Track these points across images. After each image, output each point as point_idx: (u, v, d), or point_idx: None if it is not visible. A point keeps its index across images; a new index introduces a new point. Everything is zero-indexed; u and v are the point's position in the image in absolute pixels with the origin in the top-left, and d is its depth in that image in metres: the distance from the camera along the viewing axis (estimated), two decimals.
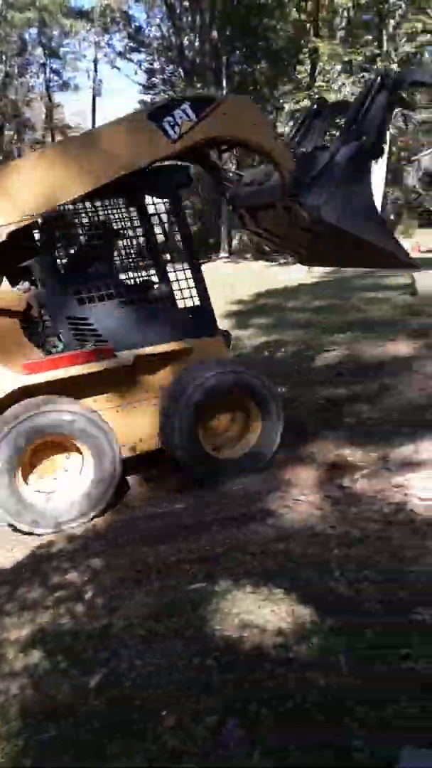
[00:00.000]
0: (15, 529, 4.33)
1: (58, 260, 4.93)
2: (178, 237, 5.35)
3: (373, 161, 4.51)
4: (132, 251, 5.46)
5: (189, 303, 5.01)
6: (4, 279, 5.00)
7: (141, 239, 5.32)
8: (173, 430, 4.63)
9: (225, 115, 4.63)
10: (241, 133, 4.78)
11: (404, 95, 5.87)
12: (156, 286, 5.04)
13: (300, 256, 5.85)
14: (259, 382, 4.87)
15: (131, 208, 5.20)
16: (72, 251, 5.09)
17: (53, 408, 4.36)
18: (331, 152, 4.66)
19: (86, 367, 4.50)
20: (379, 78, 4.62)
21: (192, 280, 5.00)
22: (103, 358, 4.54)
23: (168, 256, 5.54)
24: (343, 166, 4.50)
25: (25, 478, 4.43)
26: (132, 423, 4.75)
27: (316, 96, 15.87)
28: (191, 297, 5.00)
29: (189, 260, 5.06)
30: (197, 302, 5.00)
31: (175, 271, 5.03)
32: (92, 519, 4.46)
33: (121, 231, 5.31)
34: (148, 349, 4.71)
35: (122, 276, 5.23)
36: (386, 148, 4.56)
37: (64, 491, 4.49)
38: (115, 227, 5.25)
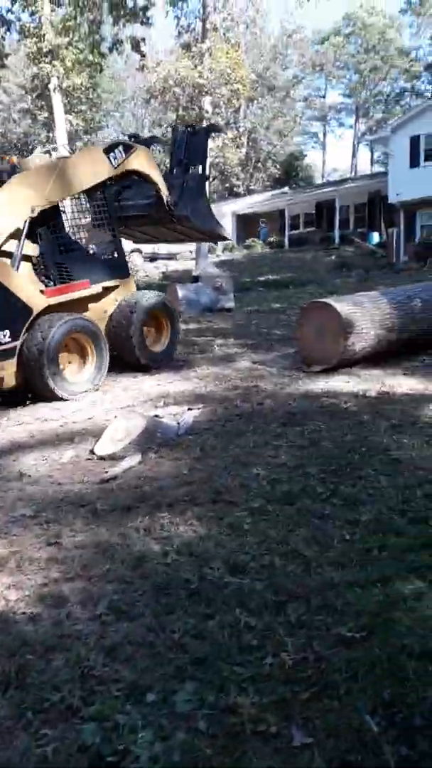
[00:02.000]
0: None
1: (52, 231, 7.01)
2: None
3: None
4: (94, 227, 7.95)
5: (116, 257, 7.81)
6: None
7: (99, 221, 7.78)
8: (130, 336, 7.22)
9: (137, 156, 7.64)
10: (144, 169, 7.76)
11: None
12: (106, 248, 7.79)
13: (158, 241, 10.50)
14: (166, 302, 7.92)
15: (93, 202, 7.74)
16: (59, 227, 7.27)
17: (77, 318, 6.78)
18: (178, 178, 8.44)
19: (81, 293, 7.03)
20: (189, 128, 9.10)
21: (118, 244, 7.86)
22: (87, 287, 7.09)
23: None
24: (193, 187, 8.48)
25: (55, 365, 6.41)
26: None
27: None
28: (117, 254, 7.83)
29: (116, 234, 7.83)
30: (121, 257, 7.91)
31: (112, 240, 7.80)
32: (96, 388, 6.68)
33: (89, 215, 7.97)
34: (106, 283, 7.36)
35: (86, 240, 7.93)
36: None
37: (79, 372, 6.81)
38: (84, 213, 8.01)
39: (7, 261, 6.31)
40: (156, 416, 5.16)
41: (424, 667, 2.23)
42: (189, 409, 5.39)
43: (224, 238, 10.45)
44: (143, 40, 24.23)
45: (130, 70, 42.21)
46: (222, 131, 14.63)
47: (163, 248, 32.20)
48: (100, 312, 7.30)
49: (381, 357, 6.98)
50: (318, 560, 2.98)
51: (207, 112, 25.18)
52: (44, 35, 20.67)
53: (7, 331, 6.23)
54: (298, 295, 14.28)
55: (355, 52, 56.68)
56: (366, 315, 6.57)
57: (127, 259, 8.35)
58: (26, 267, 6.56)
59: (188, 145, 8.57)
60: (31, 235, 6.63)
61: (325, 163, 63.45)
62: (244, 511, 3.49)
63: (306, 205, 34.75)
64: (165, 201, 7.94)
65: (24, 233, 6.44)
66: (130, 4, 23.48)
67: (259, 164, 49.89)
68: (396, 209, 28.41)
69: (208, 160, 9.18)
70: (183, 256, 31.24)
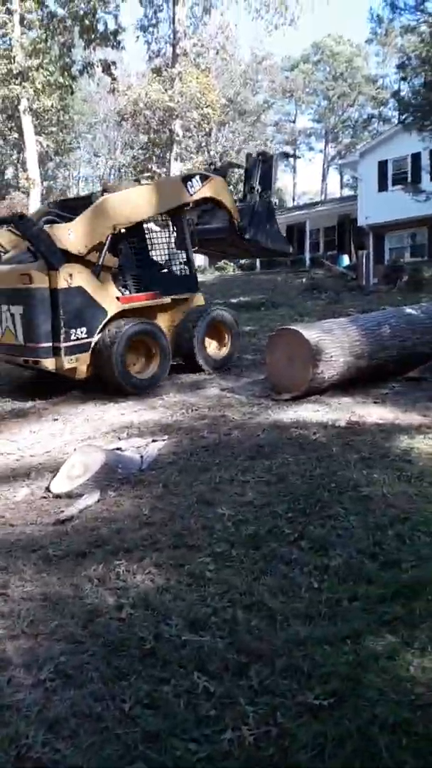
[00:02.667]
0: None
1: (131, 246, 7.96)
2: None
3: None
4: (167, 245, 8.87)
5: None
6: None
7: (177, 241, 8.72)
8: (191, 341, 8.04)
9: (213, 185, 8.57)
10: (219, 196, 8.72)
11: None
12: (180, 265, 8.73)
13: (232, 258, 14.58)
14: (229, 317, 8.69)
15: (173, 224, 8.70)
16: (139, 244, 8.13)
17: (143, 321, 7.65)
18: (251, 204, 9.40)
19: (151, 302, 7.88)
20: (260, 155, 9.89)
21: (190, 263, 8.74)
22: (157, 297, 7.94)
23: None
24: (263, 212, 9.51)
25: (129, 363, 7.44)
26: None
27: None
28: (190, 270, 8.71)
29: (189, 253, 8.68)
30: (192, 274, 8.72)
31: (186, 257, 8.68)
32: (159, 385, 7.54)
33: (163, 236, 8.90)
34: (176, 296, 8.21)
35: (162, 257, 8.77)
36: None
37: (144, 371, 7.64)
38: (158, 234, 8.88)
39: (88, 270, 7.32)
40: (118, 449, 4.93)
41: (397, 741, 2.04)
42: (153, 440, 5.17)
43: (290, 255, 12.51)
44: (114, 63, 24.33)
45: (102, 92, 42.40)
46: (291, 157, 16.22)
47: None
48: (169, 320, 8.19)
49: (351, 384, 6.86)
50: (284, 613, 2.77)
51: (177, 135, 25.29)
52: (14, 57, 20.56)
53: (84, 329, 7.25)
54: (269, 317, 14.16)
55: (324, 79, 57.91)
56: (335, 342, 6.44)
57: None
58: (107, 276, 7.57)
59: (259, 171, 9.52)
60: (113, 249, 7.64)
61: (295, 186, 64.28)
62: (207, 556, 3.28)
63: None
64: (236, 224, 9.02)
65: (106, 247, 7.41)
66: (101, 28, 23.62)
67: (231, 187, 50.28)
68: (365, 232, 28.77)
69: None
70: None
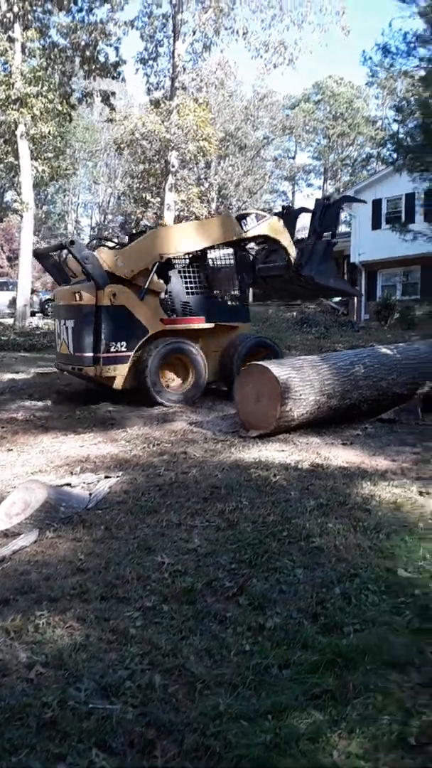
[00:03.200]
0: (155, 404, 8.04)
1: (183, 274, 8.93)
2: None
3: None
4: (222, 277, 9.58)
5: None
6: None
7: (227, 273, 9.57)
8: (233, 366, 8.57)
9: (269, 225, 9.27)
10: (275, 235, 9.33)
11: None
12: (226, 295, 9.51)
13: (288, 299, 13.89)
14: (272, 342, 9.62)
15: (232, 258, 9.59)
16: (190, 273, 9.05)
17: (180, 341, 8.46)
18: (309, 244, 9.57)
19: (190, 325, 8.69)
20: (326, 199, 10.05)
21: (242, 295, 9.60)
22: (197, 322, 8.75)
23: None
24: (320, 251, 9.62)
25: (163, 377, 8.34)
26: (207, 361, 8.62)
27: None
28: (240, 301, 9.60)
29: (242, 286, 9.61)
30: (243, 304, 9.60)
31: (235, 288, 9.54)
32: (192, 401, 8.33)
33: (218, 268, 9.57)
34: (222, 322, 8.98)
35: (215, 287, 9.35)
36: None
37: (180, 387, 8.51)
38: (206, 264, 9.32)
39: (131, 291, 8.18)
40: (67, 485, 4.71)
41: None
42: (106, 476, 4.94)
43: (352, 295, 11.42)
44: (113, 93, 24.61)
45: (104, 121, 42.94)
46: (357, 201, 16.28)
47: None
48: (214, 345, 8.90)
49: (322, 423, 6.68)
50: (207, 679, 2.53)
51: (173, 166, 25.49)
52: (14, 83, 20.74)
53: (125, 343, 8.09)
54: None
55: (324, 118, 59.00)
56: (305, 380, 6.28)
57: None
58: (153, 299, 8.40)
59: (323, 213, 9.69)
60: (162, 275, 8.56)
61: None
62: (135, 610, 3.04)
63: None
64: (293, 263, 9.39)
65: (152, 273, 8.26)
66: (102, 59, 23.94)
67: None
68: (358, 269, 28.92)
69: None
70: None
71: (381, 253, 26.59)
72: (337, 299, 30.37)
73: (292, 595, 3.20)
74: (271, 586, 3.28)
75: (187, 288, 8.84)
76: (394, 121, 17.02)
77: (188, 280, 8.87)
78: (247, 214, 9.30)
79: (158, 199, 26.95)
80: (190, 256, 9.00)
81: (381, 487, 4.67)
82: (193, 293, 8.87)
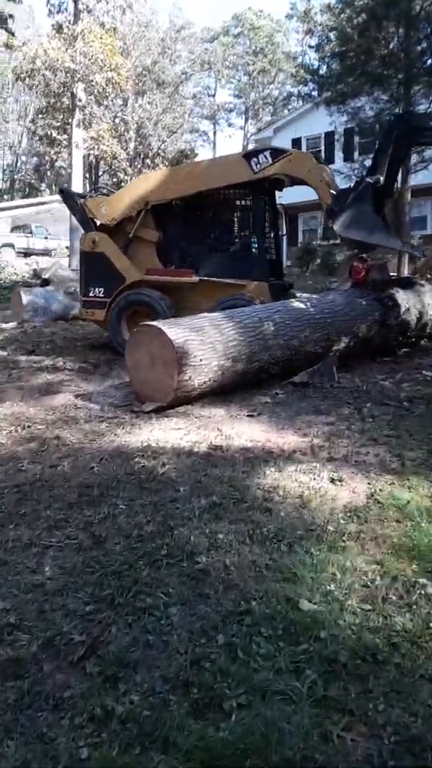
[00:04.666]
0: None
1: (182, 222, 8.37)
2: None
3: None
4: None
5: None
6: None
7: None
8: None
9: (290, 162, 7.66)
10: (299, 174, 7.69)
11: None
12: (232, 247, 8.41)
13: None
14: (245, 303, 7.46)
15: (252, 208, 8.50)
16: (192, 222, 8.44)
17: (143, 293, 8.18)
18: (351, 189, 7.72)
19: (172, 279, 8.16)
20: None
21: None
22: (183, 275, 8.09)
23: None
24: (355, 197, 7.39)
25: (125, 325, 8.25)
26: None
27: None
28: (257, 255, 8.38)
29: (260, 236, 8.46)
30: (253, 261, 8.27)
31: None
32: None
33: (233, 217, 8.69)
34: (212, 279, 8.07)
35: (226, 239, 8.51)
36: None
37: None
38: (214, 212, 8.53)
39: (110, 239, 8.22)
40: None
41: None
42: None
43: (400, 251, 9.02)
44: (11, 16, 22.13)
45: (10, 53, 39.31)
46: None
47: (38, 243, 30.21)
48: (204, 302, 7.84)
49: (228, 391, 5.88)
50: None
51: (80, 100, 23.48)
52: None
53: (102, 289, 8.36)
54: None
55: (244, 53, 56.64)
56: (206, 343, 5.42)
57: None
58: (145, 247, 8.23)
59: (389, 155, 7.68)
60: (157, 224, 8.30)
61: None
62: None
63: None
64: (325, 207, 7.74)
65: (138, 221, 8.16)
66: None
67: (148, 160, 48.47)
68: (279, 213, 27.99)
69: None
70: (60, 252, 29.29)
71: (301, 196, 25.55)
72: None
73: (159, 651, 2.41)
74: (135, 638, 2.48)
75: (189, 238, 8.30)
76: (319, 57, 15.85)
77: (192, 229, 8.32)
78: (259, 151, 8.00)
79: (66, 137, 24.89)
80: (197, 202, 8.28)
81: (287, 475, 3.92)
82: (196, 244, 8.29)
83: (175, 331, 5.29)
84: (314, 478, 3.87)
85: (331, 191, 7.74)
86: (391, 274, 17.20)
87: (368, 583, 2.81)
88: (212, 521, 3.34)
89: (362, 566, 2.92)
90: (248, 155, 7.95)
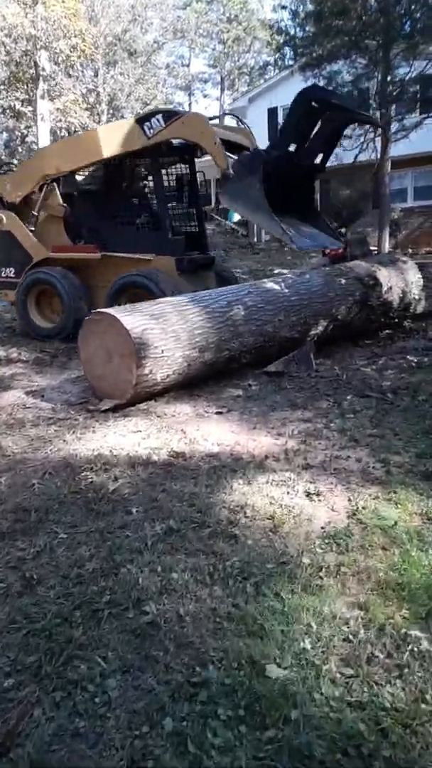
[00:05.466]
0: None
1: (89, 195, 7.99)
2: None
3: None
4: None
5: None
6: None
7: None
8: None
9: (183, 124, 6.95)
10: (192, 137, 6.99)
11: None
12: (138, 220, 7.91)
13: None
14: (148, 280, 7.00)
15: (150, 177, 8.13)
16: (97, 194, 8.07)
17: (42, 271, 7.90)
18: (253, 154, 7.00)
19: (74, 256, 7.89)
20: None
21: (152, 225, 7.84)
22: (86, 251, 7.80)
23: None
24: (247, 165, 6.65)
25: (32, 306, 8.08)
26: (101, 294, 7.63)
27: None
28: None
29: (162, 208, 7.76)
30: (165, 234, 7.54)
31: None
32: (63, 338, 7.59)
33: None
34: (114, 254, 7.64)
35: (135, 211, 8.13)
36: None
37: (46, 315, 8.12)
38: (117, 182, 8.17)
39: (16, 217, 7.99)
40: None
41: None
42: None
43: (281, 239, 7.40)
44: None
45: None
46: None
47: None
48: (109, 279, 7.44)
49: (196, 383, 5.35)
50: None
51: (44, 69, 22.39)
52: None
53: (12, 270, 8.15)
54: None
55: (218, 21, 54.98)
56: (168, 332, 4.86)
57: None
58: (54, 224, 7.88)
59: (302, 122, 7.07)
60: (64, 198, 7.93)
61: None
62: None
63: None
64: (220, 172, 6.91)
65: (42, 196, 7.87)
66: None
67: None
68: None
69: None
70: None
71: None
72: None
73: (90, 745, 1.90)
74: (61, 726, 1.97)
75: (96, 211, 7.95)
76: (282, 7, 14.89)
77: (99, 202, 7.99)
78: (151, 114, 7.24)
79: (30, 108, 23.81)
80: (102, 173, 8.11)
81: (257, 488, 3.42)
82: (103, 218, 7.93)
83: (133, 319, 4.72)
84: (288, 492, 3.36)
85: (233, 156, 7.08)
86: (372, 248, 16.79)
87: (350, 636, 2.32)
88: (167, 553, 2.83)
89: (343, 612, 2.43)
90: (141, 120, 7.28)
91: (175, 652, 2.26)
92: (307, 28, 13.24)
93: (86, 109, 35.01)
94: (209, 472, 3.64)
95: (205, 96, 62.23)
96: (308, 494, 3.33)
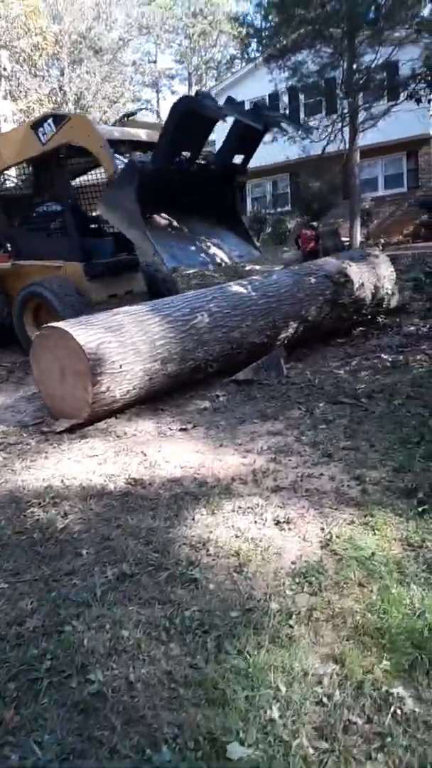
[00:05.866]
0: None
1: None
2: None
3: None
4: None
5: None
6: None
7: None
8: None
9: (72, 128, 6.45)
10: (80, 142, 6.46)
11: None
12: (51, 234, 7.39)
13: None
14: (46, 290, 6.63)
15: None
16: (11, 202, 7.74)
17: None
18: (137, 161, 6.24)
19: None
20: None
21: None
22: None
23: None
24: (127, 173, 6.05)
25: None
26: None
27: None
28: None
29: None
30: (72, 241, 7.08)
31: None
32: None
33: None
34: (24, 262, 7.40)
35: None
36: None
37: None
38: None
39: None
40: None
41: None
42: None
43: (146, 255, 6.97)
44: None
45: None
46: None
47: None
48: (22, 285, 7.09)
49: (161, 395, 5.04)
50: None
51: (5, 69, 21.84)
52: None
53: None
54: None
55: (183, 15, 54.47)
56: (126, 345, 4.53)
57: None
58: None
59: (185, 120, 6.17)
60: None
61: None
62: None
63: None
64: (108, 178, 6.42)
65: None
66: None
67: None
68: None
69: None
70: None
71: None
72: None
73: None
74: None
75: (8, 218, 7.71)
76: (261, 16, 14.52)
77: (12, 207, 7.71)
78: (44, 118, 6.75)
79: None
80: (12, 178, 7.93)
81: (221, 518, 3.12)
82: (17, 224, 7.70)
83: (86, 333, 4.38)
84: (256, 521, 3.07)
85: (122, 159, 6.61)
86: (344, 239, 16.54)
87: (324, 698, 2.03)
88: (118, 604, 2.52)
89: (316, 668, 2.15)
90: (35, 125, 6.82)
91: (123, 731, 1.95)
92: (270, 18, 12.91)
93: (53, 109, 34.44)
94: (170, 501, 3.33)
95: (173, 92, 61.59)
96: (278, 522, 3.04)
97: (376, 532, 2.90)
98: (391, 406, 4.54)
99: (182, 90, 59.91)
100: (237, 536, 2.95)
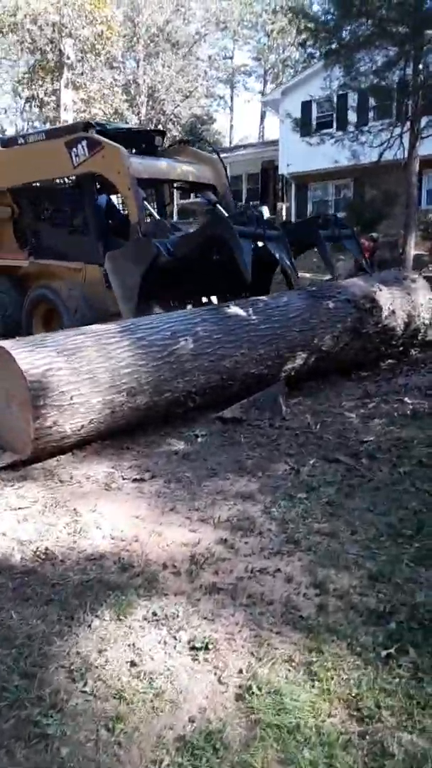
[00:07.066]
0: None
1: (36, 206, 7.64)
2: None
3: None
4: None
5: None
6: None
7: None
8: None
9: (103, 158, 6.20)
10: (110, 176, 6.26)
11: None
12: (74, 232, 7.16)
13: None
14: (54, 295, 6.62)
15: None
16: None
17: None
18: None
19: (2, 262, 7.74)
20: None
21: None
22: (18, 259, 7.57)
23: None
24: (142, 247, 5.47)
25: None
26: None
27: None
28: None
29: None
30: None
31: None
32: None
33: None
34: (43, 261, 7.31)
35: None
36: None
37: None
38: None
39: None
40: None
41: None
42: None
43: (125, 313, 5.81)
44: None
45: None
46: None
47: None
48: (33, 285, 7.10)
49: (134, 427, 4.34)
50: None
51: (68, 57, 21.63)
52: None
53: None
54: None
55: (263, 12, 53.59)
56: (82, 372, 3.85)
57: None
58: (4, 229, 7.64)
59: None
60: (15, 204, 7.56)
61: (233, 128, 59.94)
62: None
63: None
64: (134, 225, 6.14)
65: None
66: None
67: (161, 125, 46.31)
68: (287, 181, 26.01)
69: None
70: None
71: (312, 164, 23.58)
72: (266, 217, 27.43)
73: None
74: None
75: (40, 220, 7.55)
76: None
77: (41, 210, 7.58)
78: (81, 139, 6.37)
79: (53, 98, 23.09)
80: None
81: (124, 630, 2.37)
82: (46, 226, 7.54)
83: (32, 356, 3.72)
84: (166, 642, 2.32)
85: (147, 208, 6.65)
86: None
87: None
88: None
89: None
90: (70, 143, 6.47)
91: None
92: (331, 11, 11.99)
93: (126, 100, 34.27)
94: (76, 590, 2.61)
95: (246, 89, 60.71)
96: (193, 648, 2.28)
97: (317, 683, 2.11)
98: (394, 474, 3.69)
99: (257, 87, 59.10)
100: (132, 665, 2.20)
